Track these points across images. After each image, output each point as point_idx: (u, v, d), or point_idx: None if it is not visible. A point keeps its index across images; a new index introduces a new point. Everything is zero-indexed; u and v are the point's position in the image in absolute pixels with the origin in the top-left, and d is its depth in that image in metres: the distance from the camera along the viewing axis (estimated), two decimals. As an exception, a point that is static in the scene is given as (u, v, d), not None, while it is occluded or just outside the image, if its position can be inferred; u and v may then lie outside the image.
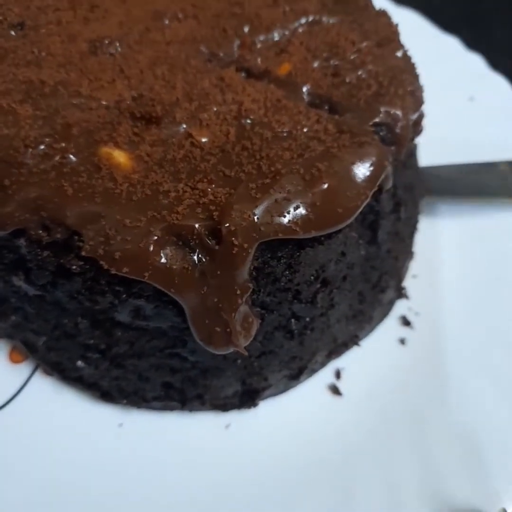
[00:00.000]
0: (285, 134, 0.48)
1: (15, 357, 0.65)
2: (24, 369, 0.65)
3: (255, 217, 0.44)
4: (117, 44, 0.55)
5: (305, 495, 0.57)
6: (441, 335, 0.67)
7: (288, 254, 0.48)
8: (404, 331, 0.68)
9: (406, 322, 0.69)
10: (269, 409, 0.63)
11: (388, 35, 0.61)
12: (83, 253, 0.44)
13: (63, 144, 0.48)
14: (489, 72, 0.90)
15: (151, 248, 0.44)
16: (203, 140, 0.48)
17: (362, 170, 0.47)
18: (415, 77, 0.59)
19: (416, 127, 0.58)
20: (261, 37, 0.58)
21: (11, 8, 0.59)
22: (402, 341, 0.67)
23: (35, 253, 0.47)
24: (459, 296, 0.70)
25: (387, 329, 0.68)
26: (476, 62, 0.92)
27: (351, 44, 0.59)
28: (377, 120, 0.52)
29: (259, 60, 0.57)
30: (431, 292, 0.71)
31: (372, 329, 0.67)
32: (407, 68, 0.59)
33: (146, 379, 0.58)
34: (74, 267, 0.46)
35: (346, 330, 0.63)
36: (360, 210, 0.46)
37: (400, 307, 0.70)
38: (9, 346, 0.66)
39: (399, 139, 0.53)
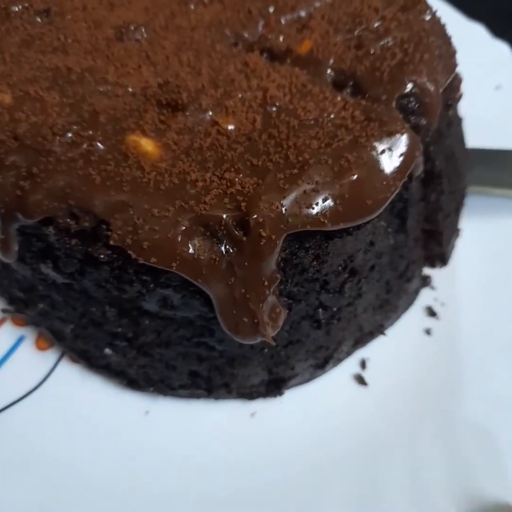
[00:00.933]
0: (311, 122, 0.47)
1: (41, 344, 0.66)
2: (50, 356, 0.65)
3: (283, 209, 0.43)
4: (143, 30, 0.54)
5: (330, 483, 0.58)
6: (466, 326, 0.66)
7: (316, 244, 0.47)
8: (429, 322, 0.67)
9: (431, 312, 0.68)
10: (294, 398, 0.63)
11: None
12: (111, 242, 0.44)
13: (91, 132, 0.47)
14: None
15: (179, 239, 0.43)
16: (230, 128, 0.47)
17: (392, 161, 0.45)
18: (445, 39, 0.57)
19: (451, 93, 0.55)
20: (287, 16, 0.56)
21: (36, -6, 0.59)
22: (428, 332, 0.67)
23: (63, 242, 0.47)
24: (484, 289, 0.69)
25: (413, 319, 0.68)
26: (502, 49, 0.89)
27: (374, 12, 0.56)
28: (402, 92, 0.50)
29: (281, 38, 0.55)
30: (457, 282, 0.70)
31: (397, 318, 0.67)
32: (435, 30, 0.56)
33: (173, 367, 0.58)
34: (102, 256, 0.46)
35: (372, 320, 0.62)
36: (389, 201, 0.45)
37: (426, 297, 0.69)
38: (36, 333, 0.66)
39: (428, 109, 0.51)
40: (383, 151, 0.46)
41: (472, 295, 0.69)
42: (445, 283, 0.70)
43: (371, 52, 0.53)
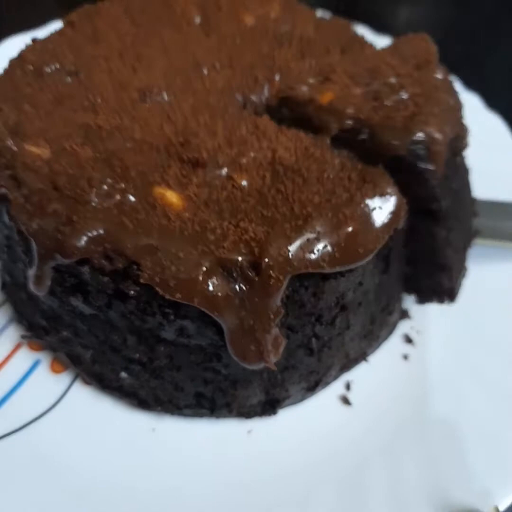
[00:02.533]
0: (314, 180, 0.56)
1: (56, 368, 0.72)
2: (64, 378, 0.71)
3: (290, 254, 0.51)
4: (164, 93, 0.63)
5: (318, 493, 0.65)
6: (440, 350, 0.75)
7: (314, 284, 0.55)
8: (406, 348, 0.76)
9: (408, 339, 0.77)
10: (287, 416, 0.70)
11: (426, 57, 0.65)
12: (141, 281, 0.51)
13: (123, 185, 0.55)
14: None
15: (201, 278, 0.51)
16: (243, 183, 0.56)
17: (381, 218, 0.54)
18: (453, 95, 0.63)
19: (458, 142, 0.61)
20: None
21: (66, 56, 0.66)
22: (405, 357, 0.75)
23: (96, 279, 0.54)
24: (454, 318, 0.79)
25: (392, 346, 0.76)
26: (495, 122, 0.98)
27: (391, 69, 0.63)
28: (413, 138, 0.56)
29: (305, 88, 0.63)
30: (430, 313, 0.79)
31: (378, 346, 0.75)
32: (445, 87, 0.63)
33: (181, 389, 0.65)
34: (131, 292, 0.53)
35: (358, 347, 0.70)
36: (377, 250, 0.54)
37: (403, 326, 0.78)
38: (51, 357, 0.73)
39: (435, 156, 0.57)
40: (374, 209, 0.55)
41: (444, 323, 0.78)
42: (420, 313, 0.79)
43: (386, 104, 0.58)
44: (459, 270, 0.73)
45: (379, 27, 1.12)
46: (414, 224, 0.63)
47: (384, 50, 0.68)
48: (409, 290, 0.74)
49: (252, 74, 0.66)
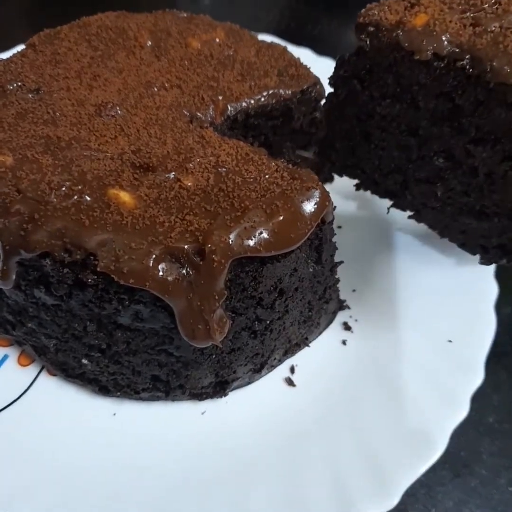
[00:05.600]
0: (251, 180, 0.64)
1: (23, 361, 0.78)
2: (31, 371, 0.77)
3: (230, 240, 0.59)
4: (118, 108, 0.70)
5: (264, 462, 0.72)
6: (374, 337, 0.84)
7: (254, 269, 0.63)
8: (345, 334, 0.85)
9: (347, 327, 0.85)
10: (236, 398, 0.77)
11: None
12: (98, 269, 0.58)
13: (80, 187, 0.62)
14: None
15: (151, 264, 0.58)
16: (189, 184, 0.63)
17: (308, 207, 0.63)
18: None
19: None
20: (233, 104, 0.74)
21: (28, 75, 0.74)
22: (344, 342, 0.83)
23: (57, 270, 0.61)
24: (390, 308, 0.88)
25: (332, 333, 0.84)
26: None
27: None
28: None
29: None
30: (367, 303, 0.88)
31: (319, 333, 0.83)
32: None
33: (138, 373, 0.71)
34: (89, 280, 0.60)
35: (298, 333, 0.78)
36: (307, 236, 0.63)
37: (343, 315, 0.86)
38: (18, 351, 0.78)
39: None
40: (302, 201, 0.63)
41: (379, 311, 0.87)
42: (357, 304, 0.88)
43: (490, 29, 0.54)
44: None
45: (324, 50, 1.23)
46: (497, 172, 0.63)
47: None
48: (474, 249, 0.75)
49: (198, 94, 0.75)
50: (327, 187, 0.69)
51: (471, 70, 0.56)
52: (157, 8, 0.92)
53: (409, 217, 0.83)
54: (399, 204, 0.83)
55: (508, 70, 0.54)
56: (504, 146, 0.62)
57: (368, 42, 0.65)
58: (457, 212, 0.75)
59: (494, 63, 0.54)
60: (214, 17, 0.92)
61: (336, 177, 0.97)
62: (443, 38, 0.55)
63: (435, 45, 0.58)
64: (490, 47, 0.53)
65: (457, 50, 0.55)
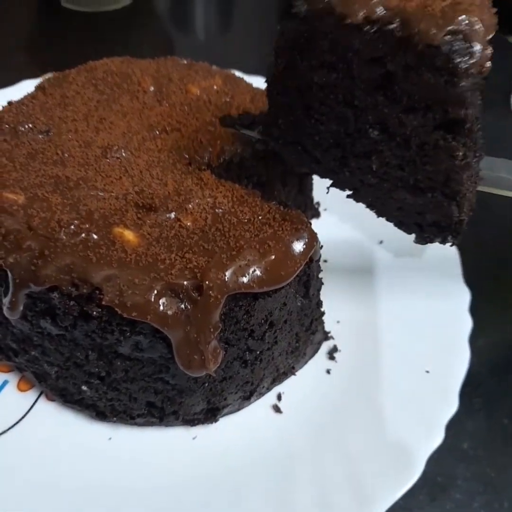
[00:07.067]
0: (246, 220, 0.69)
1: (22, 386, 0.81)
2: (30, 396, 0.81)
3: (226, 277, 0.64)
4: (122, 151, 0.76)
5: (253, 487, 0.75)
6: (356, 366, 0.89)
7: (247, 303, 0.68)
8: (329, 364, 0.89)
9: (331, 357, 0.90)
10: (226, 423, 0.81)
11: None
12: (103, 303, 0.63)
13: (87, 225, 0.67)
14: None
15: (153, 299, 0.63)
16: (188, 223, 0.69)
17: (298, 247, 0.68)
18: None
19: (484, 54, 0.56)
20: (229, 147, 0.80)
21: (38, 117, 0.79)
22: (328, 371, 0.88)
23: (64, 303, 0.65)
24: (372, 339, 0.93)
25: (317, 362, 0.89)
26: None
27: None
28: (451, 27, 0.54)
29: None
30: (350, 333, 0.94)
31: (305, 362, 0.88)
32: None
33: (135, 399, 0.75)
34: (94, 313, 0.64)
35: (286, 362, 0.83)
36: (296, 274, 0.68)
37: (327, 345, 0.92)
38: (18, 377, 0.82)
39: (472, 52, 0.54)
40: (292, 241, 0.69)
41: (361, 343, 0.92)
42: (341, 335, 0.93)
43: None
44: (469, 206, 0.70)
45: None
46: (429, 142, 0.64)
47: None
48: (410, 228, 0.76)
49: (197, 137, 0.81)
50: (314, 223, 0.74)
51: (400, 33, 0.59)
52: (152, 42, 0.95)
53: (348, 196, 0.79)
54: (338, 183, 0.79)
55: (434, 31, 0.55)
56: (434, 114, 0.62)
57: (303, 8, 0.66)
58: (393, 187, 0.73)
59: (421, 25, 0.56)
60: (208, 47, 0.95)
61: (322, 213, 1.03)
62: (375, 1, 0.57)
63: (366, 8, 0.59)
64: (419, 10, 0.56)
65: (388, 13, 0.57)
